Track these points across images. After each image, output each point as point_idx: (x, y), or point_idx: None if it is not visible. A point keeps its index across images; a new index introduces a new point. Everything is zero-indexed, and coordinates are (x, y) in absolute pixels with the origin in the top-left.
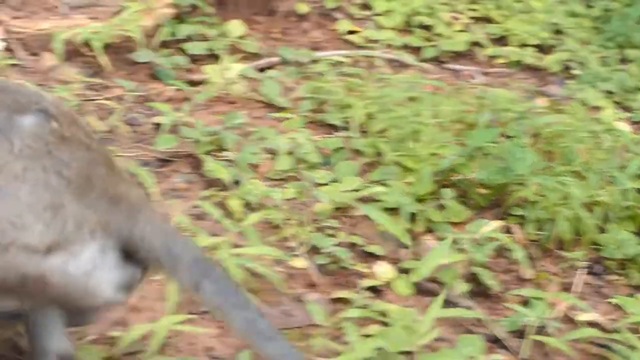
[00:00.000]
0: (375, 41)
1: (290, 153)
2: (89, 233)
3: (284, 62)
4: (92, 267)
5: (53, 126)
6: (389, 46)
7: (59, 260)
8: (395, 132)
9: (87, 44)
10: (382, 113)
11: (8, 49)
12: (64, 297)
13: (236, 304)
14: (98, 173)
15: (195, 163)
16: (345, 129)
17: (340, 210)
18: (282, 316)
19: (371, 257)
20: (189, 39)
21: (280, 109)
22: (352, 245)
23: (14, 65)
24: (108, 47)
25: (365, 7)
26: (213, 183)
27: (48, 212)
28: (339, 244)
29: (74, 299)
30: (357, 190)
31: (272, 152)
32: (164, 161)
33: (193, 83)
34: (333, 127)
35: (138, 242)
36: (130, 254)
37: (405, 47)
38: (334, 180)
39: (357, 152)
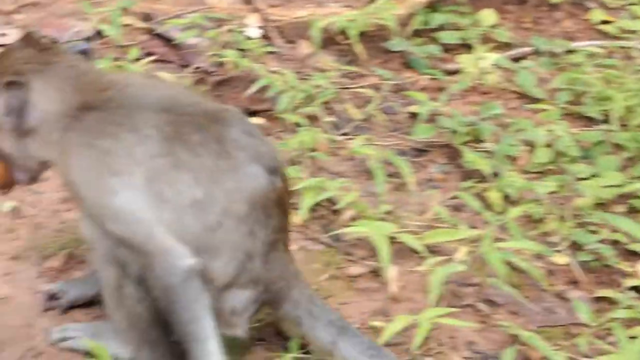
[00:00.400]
0: (632, 31)
1: (548, 145)
2: (252, 282)
3: (537, 52)
4: (243, 308)
5: (277, 185)
6: None
7: (230, 294)
8: None
9: (342, 32)
10: None
11: (265, 37)
12: None
13: (374, 355)
14: (280, 244)
15: (452, 153)
16: (605, 121)
17: (601, 207)
18: (545, 313)
19: (634, 255)
20: (441, 27)
21: (536, 100)
22: (614, 243)
23: (270, 52)
24: (362, 36)
25: None
26: (470, 174)
27: (242, 257)
28: (602, 241)
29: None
30: (619, 186)
31: (530, 144)
32: (420, 151)
33: (447, 72)
34: (591, 120)
35: (289, 302)
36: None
37: None
38: (595, 175)
39: (618, 147)
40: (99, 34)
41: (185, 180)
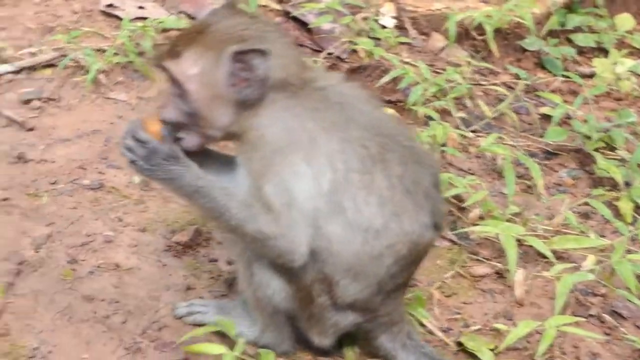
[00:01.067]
0: None
1: None
2: (365, 311)
3: None
4: (343, 327)
5: (434, 241)
6: None
7: (341, 313)
8: None
9: (478, 27)
10: None
11: (399, 27)
12: None
13: None
14: (404, 287)
15: (583, 159)
16: None
17: None
18: None
19: None
20: (577, 29)
21: None
22: None
23: (403, 43)
24: (497, 32)
25: None
26: (601, 182)
27: (374, 290)
28: None
29: None
30: None
31: None
32: (551, 154)
33: (581, 75)
34: None
35: (387, 336)
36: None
37: None
38: None
39: None
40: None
41: (371, 204)
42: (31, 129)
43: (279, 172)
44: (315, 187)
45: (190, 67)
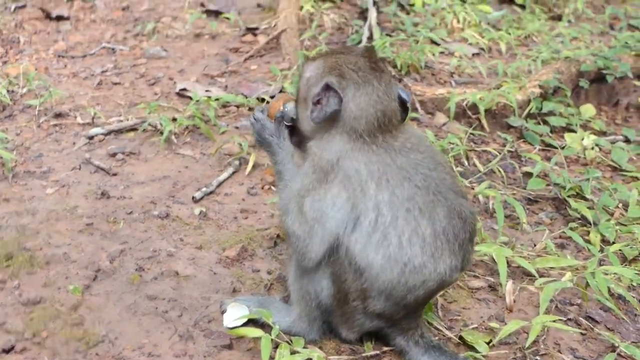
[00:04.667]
0: None
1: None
2: (390, 319)
3: (626, 140)
4: (368, 327)
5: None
6: None
7: (369, 317)
8: None
9: (472, 107)
10: None
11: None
12: None
13: None
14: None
15: (558, 204)
16: None
17: None
18: (639, 332)
19: None
20: (550, 113)
21: (627, 171)
22: None
23: (414, 119)
24: (488, 112)
25: None
26: (574, 220)
27: (400, 308)
28: None
29: None
30: None
31: (623, 202)
32: (532, 201)
33: (554, 147)
34: None
35: (403, 337)
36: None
37: None
38: None
39: None
40: (281, 92)
41: (414, 245)
42: (115, 174)
43: (322, 194)
44: (348, 220)
45: (309, 70)
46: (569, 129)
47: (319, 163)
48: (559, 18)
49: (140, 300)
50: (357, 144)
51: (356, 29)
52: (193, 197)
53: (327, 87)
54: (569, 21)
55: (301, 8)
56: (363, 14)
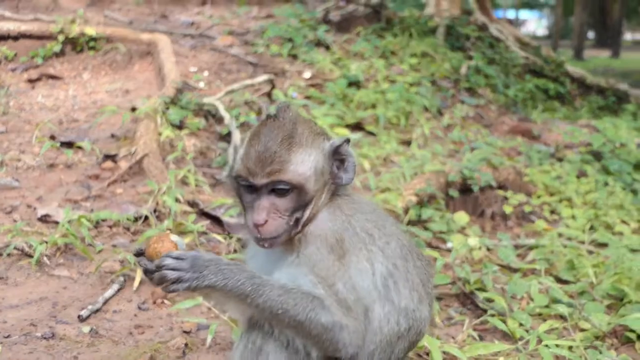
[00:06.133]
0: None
1: (545, 292)
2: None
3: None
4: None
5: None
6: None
7: None
8: None
9: None
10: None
11: None
12: None
13: None
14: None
15: (464, 299)
16: (569, 282)
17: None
18: None
19: None
20: (430, 219)
21: (516, 269)
22: None
23: None
24: None
25: (554, 212)
26: (485, 312)
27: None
28: None
29: None
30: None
31: (528, 294)
32: (438, 299)
33: (442, 250)
34: (564, 282)
35: None
36: None
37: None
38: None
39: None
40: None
41: (407, 289)
42: None
43: (347, 270)
44: (373, 280)
45: (304, 168)
46: (450, 232)
47: (329, 240)
48: (408, 143)
49: None
50: (349, 200)
51: (219, 152)
52: (79, 316)
53: (338, 147)
54: (418, 145)
55: (160, 134)
56: (225, 138)
